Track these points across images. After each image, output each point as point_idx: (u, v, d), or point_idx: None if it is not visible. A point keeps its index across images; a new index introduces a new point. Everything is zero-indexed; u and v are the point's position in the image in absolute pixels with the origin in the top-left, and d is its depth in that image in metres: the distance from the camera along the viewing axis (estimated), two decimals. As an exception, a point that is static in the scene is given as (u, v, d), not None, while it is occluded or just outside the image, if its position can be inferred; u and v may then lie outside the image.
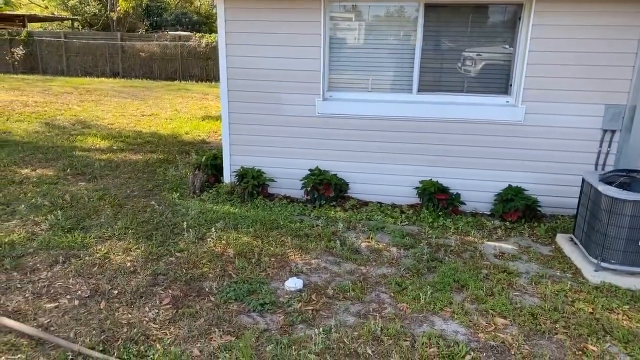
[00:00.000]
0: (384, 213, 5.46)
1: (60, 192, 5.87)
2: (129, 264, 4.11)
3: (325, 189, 5.61)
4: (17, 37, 21.86)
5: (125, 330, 3.22)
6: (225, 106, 5.85)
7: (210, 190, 5.96)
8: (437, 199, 5.41)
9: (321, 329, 3.26)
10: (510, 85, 5.38)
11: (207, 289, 3.76)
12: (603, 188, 3.98)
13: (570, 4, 4.92)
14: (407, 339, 3.20)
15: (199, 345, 3.10)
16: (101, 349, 3.02)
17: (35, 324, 3.26)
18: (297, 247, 4.53)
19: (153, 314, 3.41)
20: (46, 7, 31.28)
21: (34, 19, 26.95)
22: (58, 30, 25.63)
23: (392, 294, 3.77)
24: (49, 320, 3.32)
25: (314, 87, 5.61)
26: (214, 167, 6.27)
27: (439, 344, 3.14)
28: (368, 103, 5.60)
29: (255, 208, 5.49)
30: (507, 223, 5.23)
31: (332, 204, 5.66)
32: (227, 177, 6.07)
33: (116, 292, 3.69)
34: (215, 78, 20.55)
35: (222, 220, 5.05)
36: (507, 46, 5.38)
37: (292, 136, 5.80)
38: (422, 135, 5.53)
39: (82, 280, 3.84)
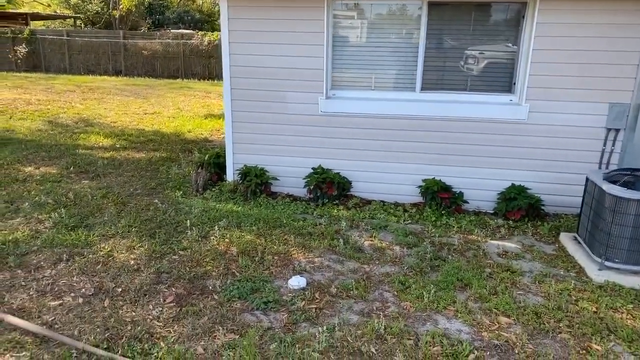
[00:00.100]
0: (386, 212, 5.45)
1: (64, 190, 5.88)
2: (132, 262, 4.12)
3: (328, 187, 5.61)
4: (20, 35, 21.91)
5: (129, 328, 3.23)
6: (228, 104, 5.85)
7: (213, 189, 5.97)
8: (440, 197, 5.41)
9: (325, 328, 3.27)
10: (514, 83, 5.37)
11: (210, 287, 3.77)
12: (607, 187, 3.97)
13: (576, 2, 4.90)
14: (411, 337, 3.20)
15: (202, 343, 3.10)
16: (105, 346, 3.03)
17: (39, 322, 3.27)
18: (300, 246, 4.53)
19: (157, 312, 3.42)
20: (49, 5, 31.32)
21: (36, 17, 26.98)
22: (61, 29, 25.66)
23: (395, 293, 3.77)
24: (53, 318, 3.33)
25: (317, 85, 5.61)
26: (217, 165, 6.27)
27: (442, 342, 3.14)
28: (371, 101, 5.60)
29: (258, 206, 5.50)
30: (511, 222, 5.22)
31: (335, 202, 5.66)
32: (230, 175, 6.08)
33: (120, 290, 3.69)
34: (218, 76, 20.57)
35: (225, 218, 5.05)
36: (510, 44, 5.37)
37: (294, 135, 5.80)
38: (425, 133, 5.53)
39: (86, 278, 3.85)
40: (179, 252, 4.34)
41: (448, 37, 5.47)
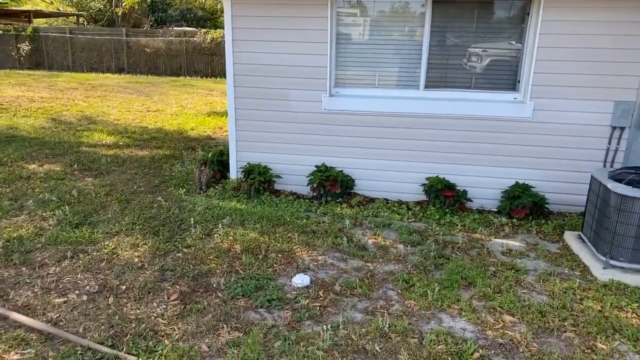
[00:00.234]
0: (390, 210, 5.45)
1: (68, 187, 5.89)
2: (136, 260, 4.12)
3: (332, 185, 5.60)
4: (23, 33, 21.94)
5: (133, 325, 3.23)
6: (231, 102, 5.84)
7: (217, 187, 5.97)
8: (444, 195, 5.40)
9: (329, 326, 3.26)
10: (518, 81, 5.35)
11: (214, 285, 3.77)
12: (612, 185, 3.95)
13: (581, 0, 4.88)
14: (415, 336, 3.20)
15: (207, 340, 3.10)
16: (110, 344, 3.03)
17: (44, 319, 3.28)
18: (304, 244, 4.53)
19: (161, 310, 3.42)
20: (51, 3, 31.34)
21: (39, 14, 27.01)
22: (63, 26, 25.67)
23: (399, 291, 3.76)
24: (58, 315, 3.33)
25: (321, 83, 5.60)
26: (220, 163, 6.27)
27: (447, 341, 3.13)
28: (374, 99, 5.58)
29: (262, 204, 5.49)
30: (515, 220, 5.20)
31: (338, 200, 5.65)
32: (234, 173, 6.08)
33: (124, 287, 3.70)
34: (220, 74, 20.57)
35: (229, 216, 5.05)
36: (514, 42, 5.34)
37: (298, 132, 5.79)
38: (428, 131, 5.51)
39: (90, 276, 3.85)
40: (183, 249, 4.34)
41: (452, 35, 5.45)
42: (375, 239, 4.72)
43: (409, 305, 3.57)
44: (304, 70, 5.58)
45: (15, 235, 4.50)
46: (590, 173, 4.50)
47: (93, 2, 29.97)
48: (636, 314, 3.51)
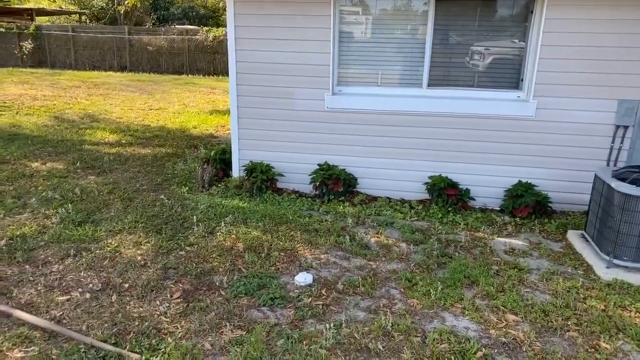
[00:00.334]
0: (393, 208, 5.44)
1: (71, 185, 5.90)
2: (139, 258, 4.13)
3: (334, 183, 5.60)
4: (25, 31, 21.95)
5: (136, 323, 3.24)
6: (234, 100, 5.84)
7: (219, 185, 5.97)
8: (447, 194, 5.39)
9: (332, 324, 3.26)
10: (522, 80, 5.33)
11: (217, 283, 3.77)
12: (616, 184, 3.94)
13: (584, -2, 4.86)
14: (418, 334, 3.19)
15: (210, 339, 3.11)
16: (113, 342, 3.04)
17: (47, 317, 3.29)
18: (307, 242, 4.53)
19: (164, 308, 3.43)
20: (54, 1, 31.36)
21: (42, 12, 27.00)
22: (66, 24, 25.69)
23: (402, 290, 3.76)
24: (61, 313, 3.34)
25: (323, 81, 5.59)
26: (223, 161, 6.27)
27: (450, 340, 3.13)
28: (377, 97, 5.57)
29: (264, 202, 5.49)
30: (517, 219, 5.19)
31: (340, 199, 5.65)
32: (236, 171, 6.08)
33: (127, 285, 3.71)
34: (223, 72, 20.56)
35: (232, 214, 5.06)
36: (517, 40, 5.33)
37: (300, 131, 5.78)
38: (431, 130, 5.50)
39: (93, 274, 3.86)
40: (186, 247, 4.35)
41: (455, 33, 5.43)
42: (377, 237, 4.72)
43: (411, 304, 3.57)
44: (307, 68, 5.58)
45: (18, 233, 4.51)
46: (593, 172, 4.49)
47: (95, 1, 29.99)
48: (640, 313, 3.50)
